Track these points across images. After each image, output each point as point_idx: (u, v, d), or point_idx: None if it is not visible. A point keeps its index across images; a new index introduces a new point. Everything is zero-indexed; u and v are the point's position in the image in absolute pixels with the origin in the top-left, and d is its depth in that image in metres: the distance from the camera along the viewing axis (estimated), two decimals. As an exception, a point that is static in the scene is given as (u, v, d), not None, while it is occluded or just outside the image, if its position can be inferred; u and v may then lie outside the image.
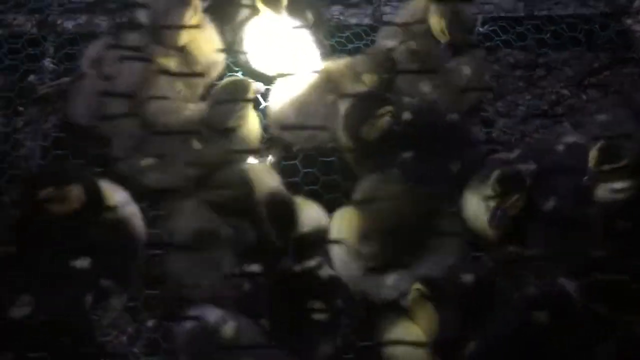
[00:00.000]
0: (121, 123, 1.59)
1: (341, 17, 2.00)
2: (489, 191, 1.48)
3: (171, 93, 1.64)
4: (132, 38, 1.66)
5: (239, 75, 1.78)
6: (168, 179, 1.55)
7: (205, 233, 1.45)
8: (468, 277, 1.45)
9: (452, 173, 1.57)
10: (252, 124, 1.65)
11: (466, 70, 1.72)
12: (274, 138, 1.69)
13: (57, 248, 1.37)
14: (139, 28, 1.64)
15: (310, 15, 1.76)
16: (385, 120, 1.53)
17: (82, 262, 1.38)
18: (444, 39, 1.68)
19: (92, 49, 1.66)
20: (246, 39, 1.74)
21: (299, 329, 1.39)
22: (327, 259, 1.48)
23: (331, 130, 1.64)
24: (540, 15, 2.03)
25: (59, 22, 1.86)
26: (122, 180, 1.56)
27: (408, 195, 1.52)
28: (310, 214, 1.49)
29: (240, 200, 1.46)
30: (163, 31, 1.64)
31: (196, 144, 1.57)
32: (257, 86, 1.62)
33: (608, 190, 1.48)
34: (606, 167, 1.47)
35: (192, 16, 1.64)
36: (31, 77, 1.85)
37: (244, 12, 1.74)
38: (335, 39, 1.88)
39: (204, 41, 1.70)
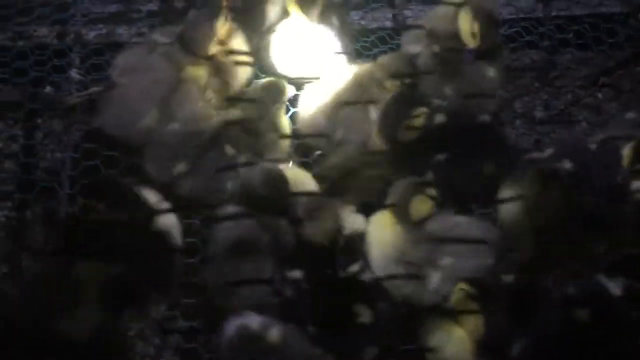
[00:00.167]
0: (153, 132, 1.59)
1: (362, 22, 2.02)
2: (525, 188, 1.49)
3: (202, 102, 1.65)
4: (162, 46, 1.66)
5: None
6: (202, 186, 1.56)
7: (245, 240, 1.46)
8: (508, 278, 1.47)
9: (486, 174, 1.59)
10: (284, 128, 1.65)
11: (491, 72, 1.73)
12: (305, 143, 1.70)
13: (98, 258, 1.37)
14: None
15: (335, 20, 1.78)
16: (420, 122, 1.54)
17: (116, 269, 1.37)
18: (473, 43, 1.68)
19: (123, 58, 1.65)
20: (273, 45, 1.74)
21: (344, 333, 1.39)
22: (367, 263, 1.50)
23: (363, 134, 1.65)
24: (558, 16, 2.05)
25: (83, 32, 1.86)
26: (155, 189, 1.56)
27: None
28: (347, 217, 1.50)
29: (280, 205, 1.46)
30: (193, 41, 1.64)
31: (229, 150, 1.57)
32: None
33: (643, 188, 1.50)
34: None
35: (223, 25, 1.64)
36: (47, 89, 1.88)
37: (272, 18, 1.76)
38: (360, 43, 1.88)
39: (233, 47, 1.70)
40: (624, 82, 2.08)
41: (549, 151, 1.65)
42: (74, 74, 1.76)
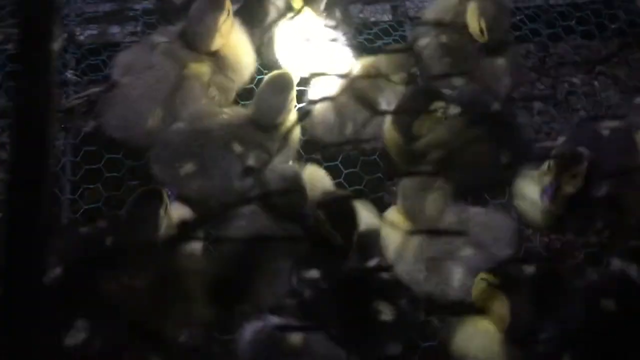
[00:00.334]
0: (158, 132, 1.54)
1: (360, 15, 1.98)
2: (544, 169, 1.46)
3: (205, 99, 1.60)
4: (161, 43, 1.61)
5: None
6: (210, 186, 1.51)
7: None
8: (530, 268, 1.44)
9: (503, 163, 1.56)
10: (293, 118, 1.60)
11: (500, 61, 1.70)
12: (314, 139, 1.66)
13: (114, 269, 1.32)
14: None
15: (338, 13, 1.74)
16: (437, 115, 1.51)
17: (140, 283, 1.31)
18: (482, 39, 1.66)
19: (123, 57, 1.60)
20: (276, 41, 1.70)
21: (366, 331, 1.35)
22: (384, 260, 1.46)
23: (374, 129, 1.61)
24: (557, 4, 2.04)
25: (78, 33, 1.79)
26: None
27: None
28: (362, 214, 1.45)
29: (296, 204, 1.42)
30: (196, 36, 1.59)
31: (237, 148, 1.52)
32: None
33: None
34: None
35: (225, 20, 1.59)
36: None
37: (274, 13, 1.71)
38: (364, 36, 1.84)
39: (235, 44, 1.65)
40: (619, 69, 2.08)
41: (561, 139, 1.65)
42: (70, 75, 1.70)
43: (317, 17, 1.67)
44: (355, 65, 1.67)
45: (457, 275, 1.40)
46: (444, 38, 1.69)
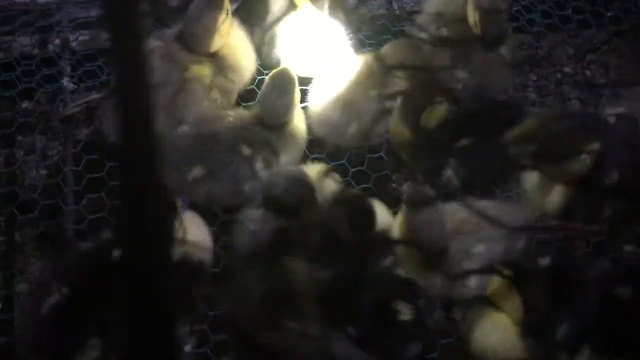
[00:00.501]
0: (161, 136, 1.50)
1: (357, 11, 1.96)
2: None
3: (208, 101, 1.58)
4: (159, 46, 1.58)
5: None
6: (219, 190, 1.48)
7: (273, 242, 1.39)
8: (544, 260, 1.43)
9: (510, 154, 1.55)
10: (298, 120, 1.58)
11: (504, 50, 1.70)
12: (319, 138, 1.64)
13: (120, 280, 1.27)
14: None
15: (340, 9, 1.72)
16: (444, 107, 1.49)
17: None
18: (476, 31, 1.65)
19: (122, 63, 1.56)
20: (277, 39, 1.68)
21: (386, 331, 1.33)
22: (398, 259, 1.44)
23: (380, 125, 1.60)
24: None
25: (72, 39, 1.74)
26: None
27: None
28: (377, 212, 1.44)
29: (306, 205, 1.40)
30: (195, 37, 1.56)
31: (246, 150, 1.49)
32: None
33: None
34: None
35: (224, 20, 1.56)
36: (25, 104, 1.77)
37: (276, 11, 1.69)
38: (363, 32, 1.83)
39: (235, 44, 1.62)
40: (610, 57, 2.09)
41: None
42: (66, 82, 1.66)
43: (319, 13, 1.65)
44: (357, 61, 1.66)
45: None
46: (445, 31, 1.68)
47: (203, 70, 1.57)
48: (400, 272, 1.39)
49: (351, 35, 1.70)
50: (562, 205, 1.50)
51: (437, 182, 1.55)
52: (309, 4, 1.64)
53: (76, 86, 1.67)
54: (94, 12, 1.80)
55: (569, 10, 1.94)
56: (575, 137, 1.43)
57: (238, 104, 1.66)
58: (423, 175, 1.59)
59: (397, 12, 1.92)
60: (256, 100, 1.60)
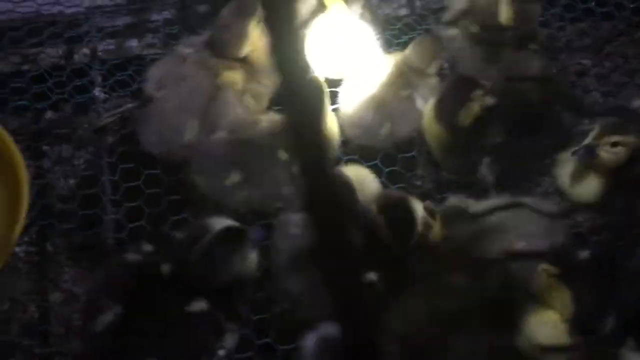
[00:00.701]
0: (197, 144, 1.52)
1: (380, 11, 1.96)
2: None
3: (241, 107, 1.58)
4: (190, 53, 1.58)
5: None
6: (257, 195, 1.49)
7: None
8: (584, 254, 1.44)
9: (543, 151, 1.57)
10: (330, 122, 1.58)
11: (534, 46, 1.70)
12: (351, 140, 1.64)
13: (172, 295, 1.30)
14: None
15: (366, 10, 1.72)
16: (478, 105, 1.50)
17: (200, 305, 1.29)
18: (508, 27, 1.64)
19: (155, 71, 1.57)
20: (307, 42, 1.68)
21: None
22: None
23: (411, 124, 1.61)
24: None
25: (100, 48, 1.75)
26: (205, 204, 1.50)
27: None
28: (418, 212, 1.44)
29: (347, 207, 1.40)
30: (225, 43, 1.57)
31: (283, 154, 1.50)
32: None
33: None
34: None
35: (255, 26, 1.57)
36: (48, 114, 1.77)
37: (303, 15, 1.68)
38: (388, 32, 1.82)
39: (264, 49, 1.64)
40: (629, 49, 2.09)
41: (599, 120, 1.65)
42: (97, 93, 1.66)
43: (348, 14, 1.65)
44: (386, 61, 1.66)
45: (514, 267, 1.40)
46: (474, 28, 1.68)
47: (235, 76, 1.58)
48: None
49: (379, 36, 1.71)
50: (598, 198, 1.51)
51: (471, 179, 1.57)
52: (339, 4, 1.65)
53: (107, 96, 1.68)
54: (119, 21, 1.81)
55: (592, 3, 1.95)
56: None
57: (269, 108, 1.66)
58: (457, 173, 1.60)
59: (420, 10, 1.93)
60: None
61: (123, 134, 1.61)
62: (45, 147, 1.73)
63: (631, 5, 1.97)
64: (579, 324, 1.32)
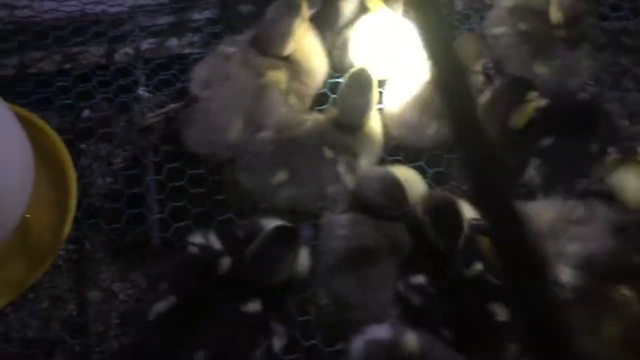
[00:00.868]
0: (242, 143, 1.51)
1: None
2: None
3: (286, 107, 1.58)
4: (235, 52, 1.58)
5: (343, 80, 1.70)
6: (303, 194, 1.48)
7: (363, 249, 1.39)
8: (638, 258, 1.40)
9: (593, 153, 1.53)
10: (375, 121, 1.57)
11: (585, 46, 1.67)
12: (396, 140, 1.62)
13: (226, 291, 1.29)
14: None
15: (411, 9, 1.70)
16: (531, 107, 1.47)
17: (254, 306, 1.29)
18: (559, 25, 1.63)
19: (200, 70, 1.57)
20: (350, 42, 1.67)
21: (484, 334, 1.33)
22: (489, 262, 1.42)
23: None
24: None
25: (143, 47, 1.75)
26: (251, 203, 1.50)
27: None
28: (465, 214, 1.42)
29: (396, 208, 1.39)
30: (270, 40, 1.56)
31: (328, 153, 1.49)
32: None
33: None
34: None
35: (300, 25, 1.57)
36: (85, 112, 1.78)
37: (346, 15, 1.68)
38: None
39: (308, 49, 1.62)
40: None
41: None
42: (141, 92, 1.66)
43: (392, 15, 1.64)
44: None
45: (565, 273, 1.37)
46: (523, 25, 1.66)
47: (279, 76, 1.57)
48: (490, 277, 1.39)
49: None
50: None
51: (519, 180, 1.55)
52: (383, 7, 1.63)
53: (151, 95, 1.67)
54: (162, 20, 1.81)
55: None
56: None
57: (311, 107, 1.66)
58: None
59: (461, 9, 1.91)
60: (334, 100, 1.61)
61: (167, 133, 1.62)
62: (83, 145, 1.74)
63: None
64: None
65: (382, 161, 1.60)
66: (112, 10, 1.79)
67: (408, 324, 1.33)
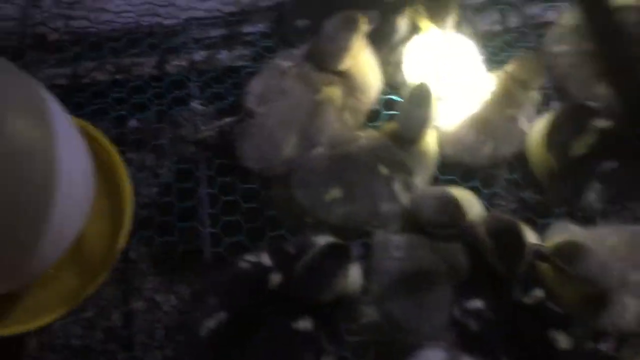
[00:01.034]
0: (297, 159, 1.50)
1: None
2: None
3: (339, 122, 1.56)
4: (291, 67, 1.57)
5: (396, 97, 1.68)
6: (356, 211, 1.46)
7: (418, 272, 1.36)
8: None
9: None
10: (431, 138, 1.54)
11: None
12: (449, 158, 1.59)
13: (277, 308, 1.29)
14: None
15: (466, 27, 1.69)
16: (594, 133, 1.44)
17: (305, 324, 1.28)
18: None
19: (256, 85, 1.56)
20: (405, 59, 1.65)
21: (545, 360, 1.29)
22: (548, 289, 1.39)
23: (515, 145, 1.56)
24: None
25: (197, 60, 1.76)
26: (303, 219, 1.49)
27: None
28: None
29: (454, 226, 1.36)
30: (328, 55, 1.55)
31: (384, 170, 1.47)
32: None
33: None
34: None
35: (358, 39, 1.55)
36: (132, 122, 1.79)
37: (402, 31, 1.67)
38: (486, 48, 1.76)
39: (362, 65, 1.60)
40: None
41: None
42: (195, 104, 1.67)
43: (448, 30, 1.62)
44: (488, 79, 1.62)
45: (631, 305, 1.33)
46: (586, 44, 1.63)
47: (335, 92, 1.55)
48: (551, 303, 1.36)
49: (481, 53, 1.66)
50: None
51: (578, 205, 1.51)
52: (434, 27, 1.62)
53: (205, 108, 1.68)
54: (215, 33, 1.81)
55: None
56: None
57: (364, 124, 1.64)
58: (561, 199, 1.54)
59: (515, 25, 1.88)
60: (387, 117, 1.60)
61: (220, 147, 1.61)
62: (129, 155, 1.74)
63: None
64: None
65: (436, 180, 1.58)
66: (166, 22, 1.79)
67: (464, 350, 1.31)
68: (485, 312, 1.32)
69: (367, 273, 1.41)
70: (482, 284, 1.36)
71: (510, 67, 1.61)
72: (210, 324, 1.28)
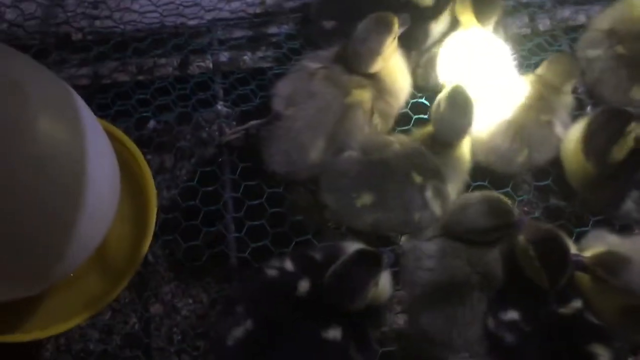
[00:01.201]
0: (328, 163, 1.46)
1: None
2: None
3: (369, 127, 1.52)
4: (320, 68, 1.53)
5: (425, 101, 1.65)
6: (387, 218, 1.42)
7: (451, 284, 1.32)
8: None
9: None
10: (466, 144, 1.50)
11: None
12: (482, 164, 1.55)
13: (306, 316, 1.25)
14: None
15: (502, 29, 1.65)
16: (632, 138, 1.39)
17: (335, 333, 1.24)
18: None
19: (283, 87, 1.52)
20: (436, 61, 1.61)
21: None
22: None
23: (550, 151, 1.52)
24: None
25: (221, 61, 1.73)
26: (330, 224, 1.46)
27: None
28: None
29: (506, 224, 1.31)
30: (359, 58, 1.51)
31: (417, 177, 1.43)
32: None
33: None
34: None
35: (390, 42, 1.51)
36: (151, 123, 1.76)
37: (434, 35, 1.64)
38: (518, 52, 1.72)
39: (393, 67, 1.56)
40: None
41: None
42: (220, 106, 1.63)
43: (484, 33, 1.58)
44: (521, 83, 1.58)
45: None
46: (620, 48, 1.58)
47: (364, 95, 1.51)
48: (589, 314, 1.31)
49: (514, 56, 1.62)
50: None
51: (616, 214, 1.46)
52: (476, 24, 1.57)
53: (230, 110, 1.65)
54: (240, 34, 1.79)
55: None
56: None
57: (393, 128, 1.60)
58: (599, 207, 1.49)
59: (544, 28, 1.84)
60: (416, 121, 1.56)
61: (246, 150, 1.58)
62: (149, 157, 1.71)
63: None
64: None
65: (467, 187, 1.54)
66: (191, 23, 1.76)
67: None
68: (521, 324, 1.28)
69: (396, 281, 1.38)
70: (518, 294, 1.31)
71: (541, 70, 1.58)
72: (238, 332, 1.24)
